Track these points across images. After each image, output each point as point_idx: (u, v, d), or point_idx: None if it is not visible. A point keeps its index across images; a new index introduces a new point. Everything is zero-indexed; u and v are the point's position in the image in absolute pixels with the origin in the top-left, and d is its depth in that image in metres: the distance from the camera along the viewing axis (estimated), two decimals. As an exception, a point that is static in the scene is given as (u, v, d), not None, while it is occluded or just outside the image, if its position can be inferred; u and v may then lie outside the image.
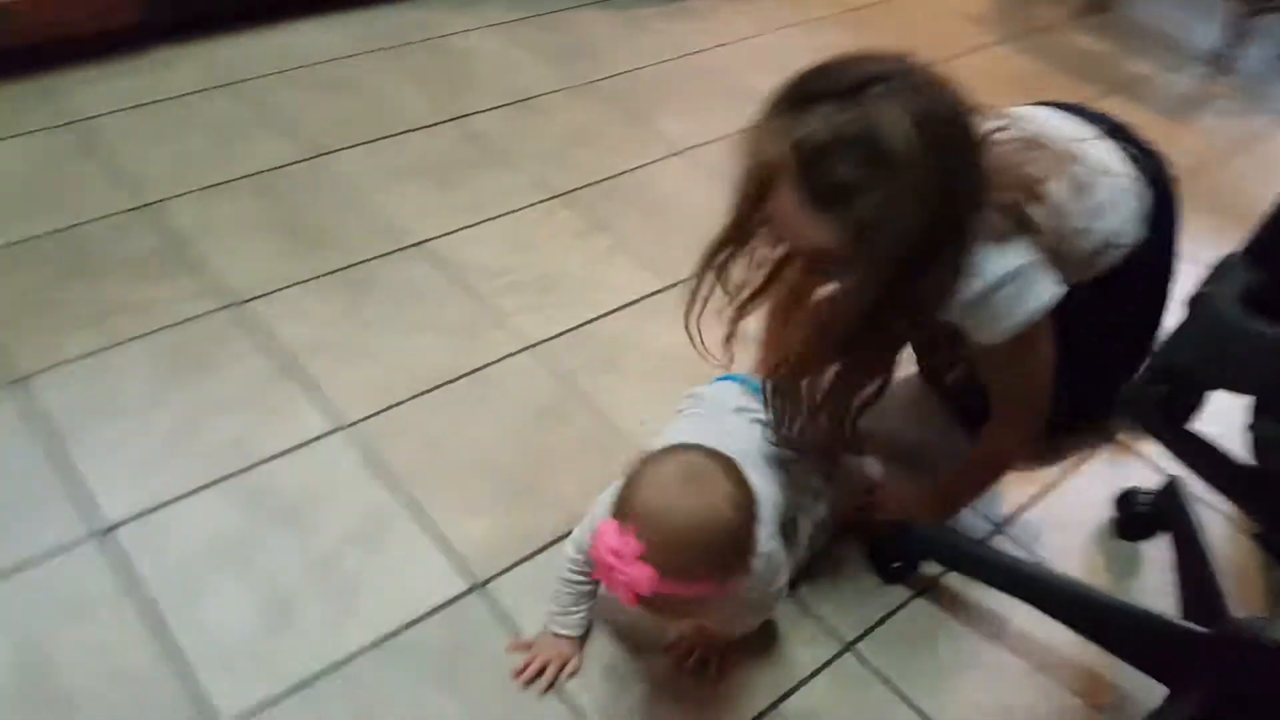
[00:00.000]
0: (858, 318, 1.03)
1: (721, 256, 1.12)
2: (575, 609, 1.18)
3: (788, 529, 1.20)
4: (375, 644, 1.20)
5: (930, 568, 1.34)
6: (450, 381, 1.55)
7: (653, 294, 1.76)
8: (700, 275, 1.14)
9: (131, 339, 1.55)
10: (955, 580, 1.34)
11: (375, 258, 1.77)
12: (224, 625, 1.20)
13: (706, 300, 1.15)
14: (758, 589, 1.08)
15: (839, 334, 1.07)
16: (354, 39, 2.39)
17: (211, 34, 2.30)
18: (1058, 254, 1.11)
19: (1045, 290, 1.09)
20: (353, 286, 1.70)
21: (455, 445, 1.45)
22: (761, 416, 1.22)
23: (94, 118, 2.01)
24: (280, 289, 1.67)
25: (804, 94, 0.97)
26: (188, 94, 2.12)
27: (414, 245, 1.81)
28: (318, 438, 1.44)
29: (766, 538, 1.06)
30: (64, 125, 1.98)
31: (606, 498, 1.04)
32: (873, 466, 1.46)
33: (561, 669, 1.18)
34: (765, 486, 1.10)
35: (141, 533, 1.29)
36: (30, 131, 1.95)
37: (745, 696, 1.19)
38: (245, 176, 1.91)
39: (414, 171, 1.99)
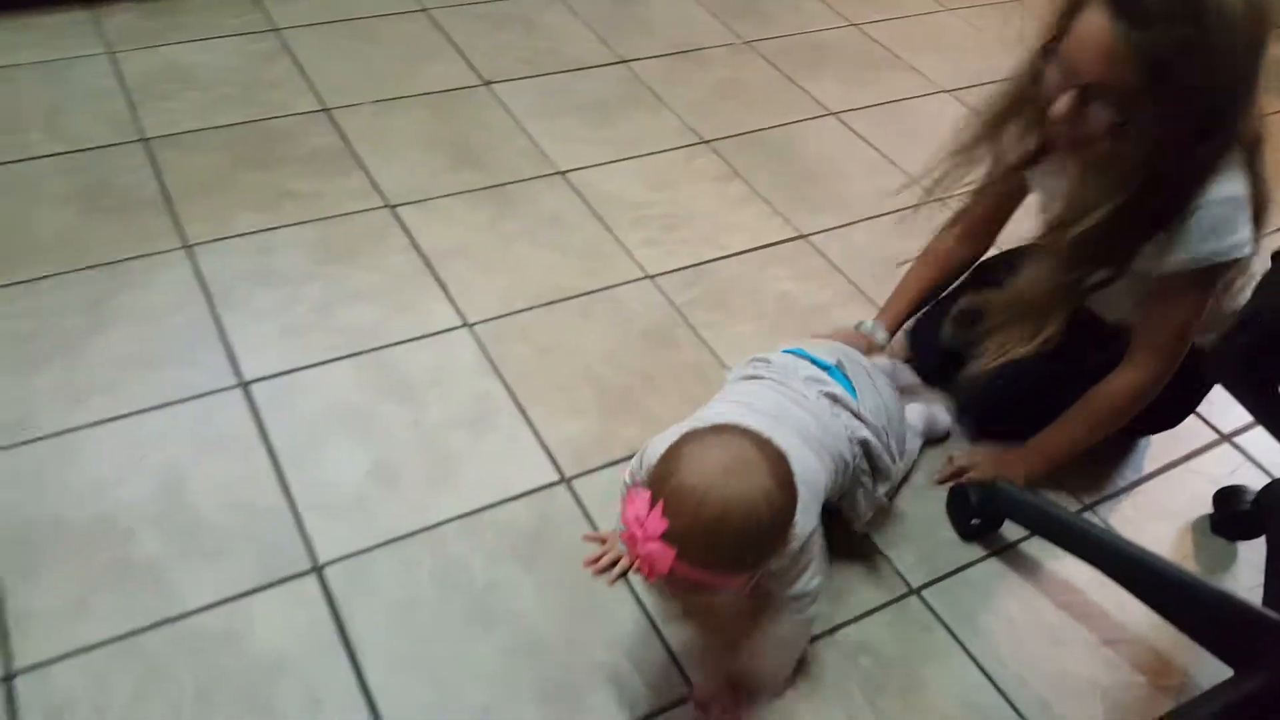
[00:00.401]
0: (1135, 166, 1.05)
1: (1004, 111, 1.19)
2: None
3: (846, 502, 1.22)
4: (465, 515, 1.29)
5: (1009, 532, 1.34)
6: (569, 299, 1.63)
7: (777, 243, 1.80)
8: (978, 136, 1.22)
9: (293, 224, 1.70)
10: (1033, 546, 1.33)
11: (522, 180, 1.87)
12: (334, 479, 1.32)
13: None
14: (785, 579, 1.03)
15: (1115, 177, 1.07)
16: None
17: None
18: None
19: (1246, 239, 1.11)
20: (497, 203, 1.81)
21: (564, 354, 1.54)
22: (832, 390, 1.18)
23: (291, 28, 2.18)
24: (432, 198, 1.80)
25: None
26: (375, 16, 2.27)
27: (559, 174, 1.90)
28: (443, 331, 1.55)
29: (805, 523, 1.00)
30: (265, 32, 2.17)
31: (668, 436, 1.00)
32: (944, 416, 1.47)
33: (630, 566, 1.23)
34: (817, 465, 1.08)
35: (276, 390, 1.42)
36: (235, 34, 2.14)
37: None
38: (417, 95, 2.05)
39: (572, 107, 2.08)
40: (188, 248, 1.62)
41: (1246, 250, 1.12)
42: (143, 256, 1.59)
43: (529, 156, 1.93)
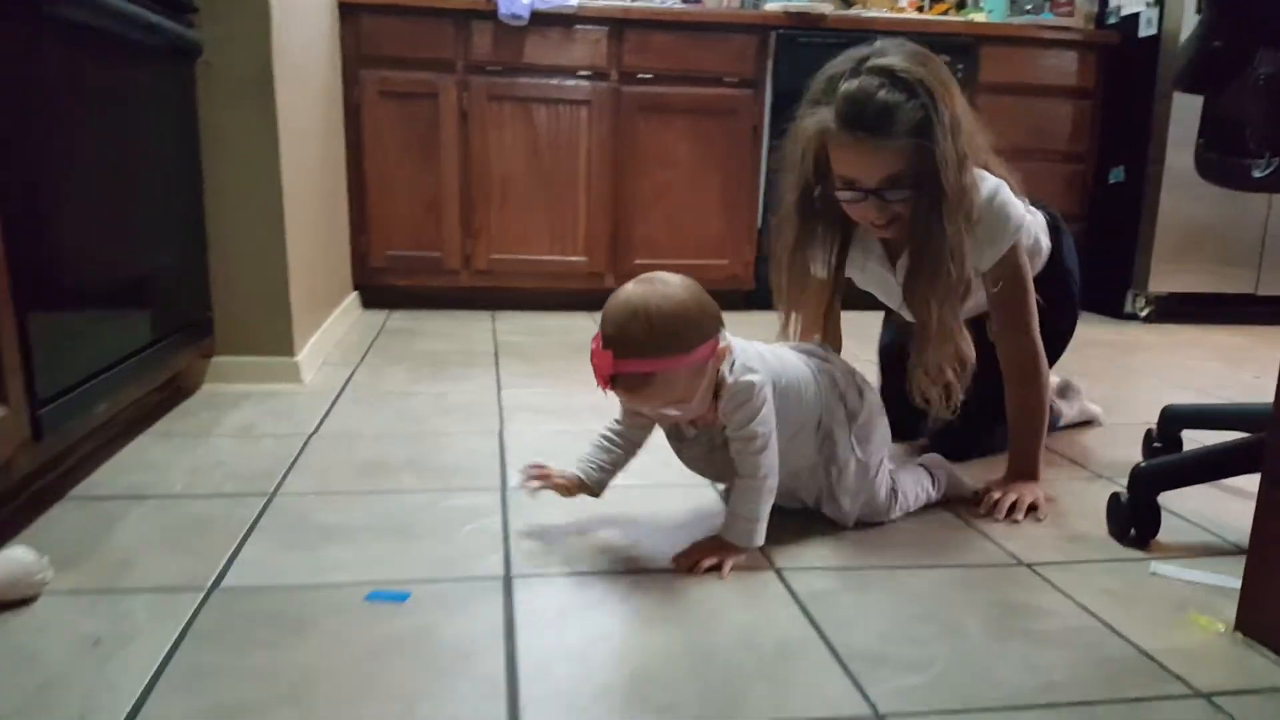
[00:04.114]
0: (954, 183, 1.38)
1: (798, 243, 1.53)
2: (592, 460, 1.43)
3: (824, 444, 1.42)
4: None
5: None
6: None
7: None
8: (785, 273, 1.55)
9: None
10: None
11: None
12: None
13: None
14: (731, 418, 1.30)
15: (926, 221, 1.41)
16: None
17: None
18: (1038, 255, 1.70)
19: (1021, 214, 1.53)
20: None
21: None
22: (811, 349, 1.49)
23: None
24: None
25: (818, 89, 1.42)
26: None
27: None
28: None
29: (756, 378, 1.29)
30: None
31: None
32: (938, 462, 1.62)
33: (555, 486, 1.42)
34: (778, 365, 1.37)
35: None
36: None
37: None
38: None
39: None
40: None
41: (1025, 220, 1.55)
42: None
43: None
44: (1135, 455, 1.85)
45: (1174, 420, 1.85)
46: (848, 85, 1.37)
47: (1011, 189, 1.54)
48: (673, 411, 1.29)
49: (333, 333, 2.69)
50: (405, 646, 1.09)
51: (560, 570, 1.30)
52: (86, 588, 1.21)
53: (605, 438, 1.44)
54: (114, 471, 1.64)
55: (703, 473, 1.45)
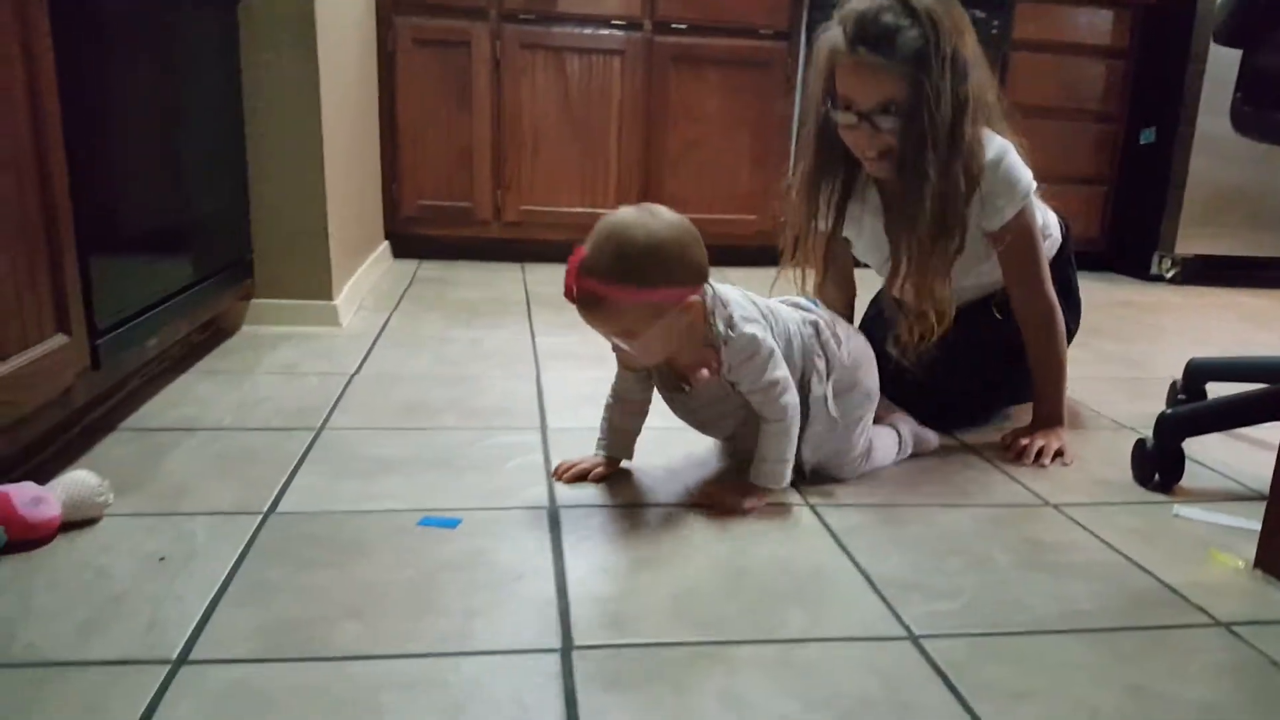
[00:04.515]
0: (946, 125, 1.40)
1: (815, 171, 1.57)
2: (608, 434, 1.45)
3: (803, 387, 1.40)
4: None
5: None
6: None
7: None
8: (807, 199, 1.59)
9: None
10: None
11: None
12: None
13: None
14: (742, 376, 1.32)
15: (920, 166, 1.42)
16: None
17: None
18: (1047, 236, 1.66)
19: (1029, 178, 1.53)
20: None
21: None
22: (798, 301, 1.49)
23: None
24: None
25: (839, 8, 1.44)
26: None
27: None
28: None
29: (758, 329, 1.32)
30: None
31: None
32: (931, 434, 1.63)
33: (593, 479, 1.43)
34: (791, 327, 1.39)
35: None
36: None
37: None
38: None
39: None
40: None
41: (1033, 185, 1.54)
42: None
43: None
44: (1159, 407, 1.88)
45: (1198, 373, 1.88)
46: (859, 3, 1.41)
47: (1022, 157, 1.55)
48: (621, 344, 1.31)
49: (366, 279, 2.73)
50: (459, 567, 1.15)
51: (602, 502, 1.35)
52: (146, 510, 1.27)
53: (610, 406, 1.45)
54: (163, 405, 1.69)
55: (691, 425, 1.48)
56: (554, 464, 1.46)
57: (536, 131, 3.29)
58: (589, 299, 1.24)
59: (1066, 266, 1.74)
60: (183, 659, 0.94)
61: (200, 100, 1.92)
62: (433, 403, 1.76)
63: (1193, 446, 1.51)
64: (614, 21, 3.24)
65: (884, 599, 1.11)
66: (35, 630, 0.98)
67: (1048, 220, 1.69)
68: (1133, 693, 0.95)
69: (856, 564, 1.19)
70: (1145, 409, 1.85)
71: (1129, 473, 1.51)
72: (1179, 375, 1.91)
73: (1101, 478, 1.51)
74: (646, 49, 3.28)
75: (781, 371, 1.32)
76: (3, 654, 0.94)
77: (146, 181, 1.66)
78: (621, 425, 1.45)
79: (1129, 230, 3.70)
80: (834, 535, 1.27)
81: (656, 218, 1.25)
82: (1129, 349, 2.42)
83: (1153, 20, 3.58)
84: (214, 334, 2.15)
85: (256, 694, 0.89)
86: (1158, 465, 1.47)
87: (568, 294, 1.25)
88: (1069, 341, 1.74)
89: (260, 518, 1.26)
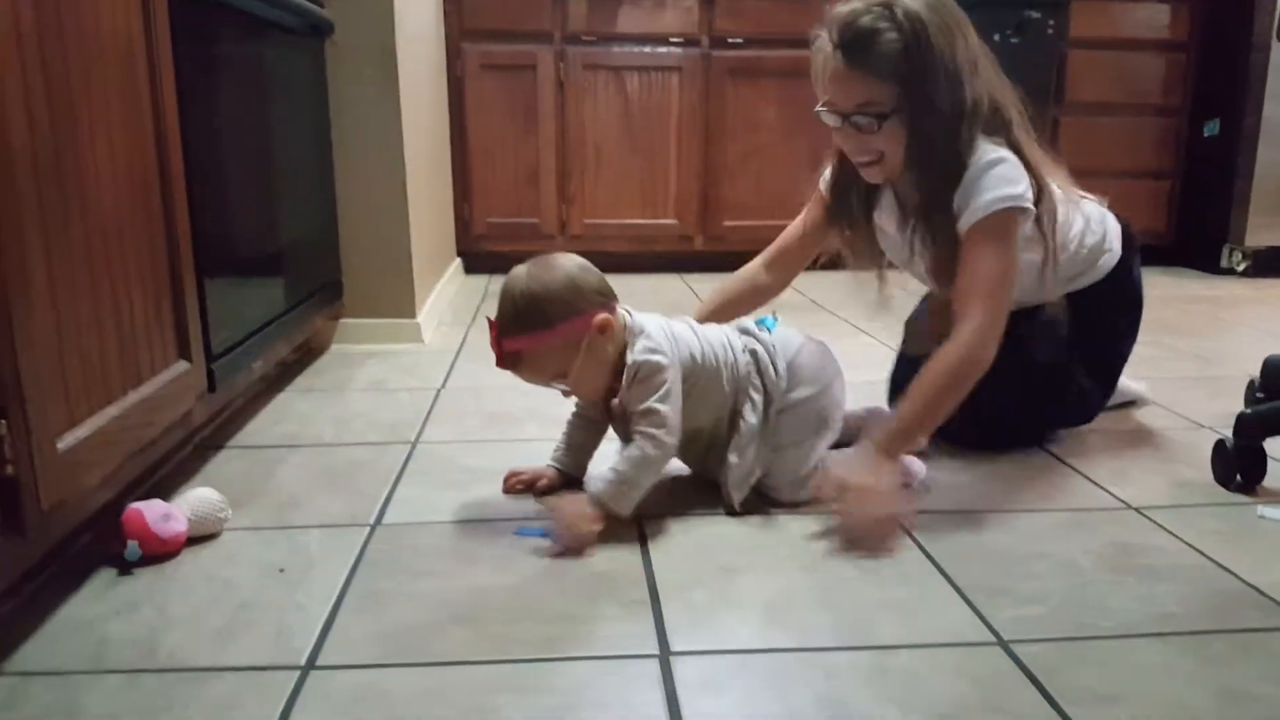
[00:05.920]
0: (933, 129, 1.38)
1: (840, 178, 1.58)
2: (562, 448, 1.50)
3: (731, 421, 1.41)
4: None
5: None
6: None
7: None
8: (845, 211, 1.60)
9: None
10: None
11: None
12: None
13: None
14: (632, 398, 1.34)
15: (933, 144, 1.39)
16: None
17: None
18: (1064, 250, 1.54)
19: (1022, 193, 1.38)
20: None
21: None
22: (746, 326, 1.48)
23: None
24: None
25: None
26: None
27: None
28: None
29: (662, 359, 1.33)
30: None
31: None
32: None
33: (535, 491, 1.47)
34: (721, 355, 1.40)
35: None
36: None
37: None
38: None
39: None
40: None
41: (1024, 202, 1.38)
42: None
43: None
44: (1237, 406, 1.85)
45: (1277, 370, 1.87)
46: (843, 6, 1.40)
47: (1060, 182, 1.49)
48: (561, 385, 1.37)
49: (443, 296, 2.83)
50: (557, 574, 1.21)
51: (686, 511, 1.40)
52: (263, 524, 1.35)
53: (570, 422, 1.51)
54: (266, 423, 1.79)
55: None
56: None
57: (599, 148, 3.37)
58: (512, 358, 1.33)
59: (1134, 277, 1.69)
60: (310, 664, 1.01)
61: (295, 131, 2.02)
62: (514, 413, 1.83)
63: (1274, 446, 1.51)
64: (672, 39, 3.31)
65: (971, 605, 1.14)
66: (176, 638, 1.06)
67: (1107, 229, 1.63)
68: (1225, 696, 0.96)
69: (942, 570, 1.22)
70: (1223, 408, 1.84)
71: (1210, 474, 1.52)
72: (1256, 372, 1.90)
73: (1182, 479, 1.52)
74: (704, 64, 3.34)
75: (668, 407, 1.32)
76: (150, 660, 1.02)
77: (251, 210, 1.76)
78: (578, 442, 1.50)
79: (1196, 224, 3.66)
80: (917, 542, 1.30)
81: (536, 264, 1.34)
82: (1202, 345, 2.40)
83: (1212, 12, 3.54)
84: (306, 353, 2.25)
85: (382, 697, 0.95)
86: (1239, 466, 1.47)
87: (498, 363, 1.33)
88: (1122, 365, 1.73)
89: (369, 529, 1.33)
